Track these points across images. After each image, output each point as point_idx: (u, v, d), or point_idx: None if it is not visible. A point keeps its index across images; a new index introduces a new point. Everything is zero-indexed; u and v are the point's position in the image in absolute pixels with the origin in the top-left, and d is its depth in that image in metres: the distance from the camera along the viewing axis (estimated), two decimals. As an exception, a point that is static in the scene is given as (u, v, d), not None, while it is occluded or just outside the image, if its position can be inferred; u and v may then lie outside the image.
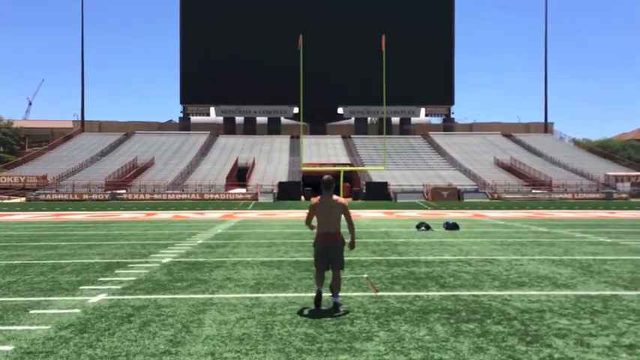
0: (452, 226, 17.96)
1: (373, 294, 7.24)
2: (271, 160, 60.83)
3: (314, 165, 50.70)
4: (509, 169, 57.68)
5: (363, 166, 55.77)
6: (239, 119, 75.67)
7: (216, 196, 47.75)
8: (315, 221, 6.60)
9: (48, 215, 27.24)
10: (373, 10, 71.58)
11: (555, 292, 7.47)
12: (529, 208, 34.82)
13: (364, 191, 48.81)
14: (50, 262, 10.42)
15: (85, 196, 47.00)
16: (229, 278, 8.59)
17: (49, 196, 46.79)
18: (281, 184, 49.49)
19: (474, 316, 6.11)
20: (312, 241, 6.82)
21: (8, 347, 4.98)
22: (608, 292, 7.47)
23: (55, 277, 8.79)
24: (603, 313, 6.26)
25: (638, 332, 5.48)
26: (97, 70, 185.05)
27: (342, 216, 6.48)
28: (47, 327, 5.69)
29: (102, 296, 7.25)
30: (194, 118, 76.57)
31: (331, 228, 6.40)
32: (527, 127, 76.14)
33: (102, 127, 75.10)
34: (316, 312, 6.25)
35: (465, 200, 46.33)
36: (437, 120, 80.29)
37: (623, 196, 49.20)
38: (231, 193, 48.49)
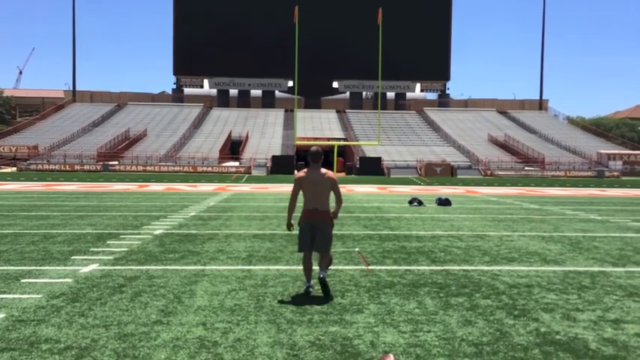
0: (444, 202, 18.04)
1: (364, 268, 7.30)
2: (265, 133, 60.57)
3: (308, 139, 50.56)
4: (503, 145, 57.79)
5: (357, 140, 55.68)
6: (233, 92, 74.99)
7: (210, 168, 47.63)
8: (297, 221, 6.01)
9: (39, 185, 27.12)
10: (370, -17, 70.51)
11: (544, 268, 7.56)
12: (521, 185, 35.01)
13: (358, 166, 48.84)
14: (42, 232, 10.41)
15: (77, 167, 46.76)
16: (221, 250, 8.62)
17: (40, 167, 46.51)
18: (274, 158, 49.41)
19: (463, 290, 6.18)
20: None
21: (0, 315, 5.00)
22: (596, 269, 7.56)
23: (47, 246, 8.79)
24: (590, 289, 6.35)
25: (623, 307, 5.56)
26: (89, 40, 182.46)
27: (332, 193, 5.93)
28: (39, 296, 5.71)
29: (94, 266, 7.27)
30: (187, 90, 75.82)
31: (319, 205, 5.83)
32: (522, 104, 76.02)
33: (94, 97, 74.29)
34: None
35: (458, 176, 46.49)
36: (432, 95, 79.96)
37: (615, 174, 49.51)
38: (225, 166, 48.39)
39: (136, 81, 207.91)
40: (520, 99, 78.12)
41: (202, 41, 70.24)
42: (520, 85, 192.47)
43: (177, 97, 74.98)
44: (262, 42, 69.18)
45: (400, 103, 74.58)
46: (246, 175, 43.23)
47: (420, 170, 48.07)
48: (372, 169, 47.30)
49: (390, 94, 74.89)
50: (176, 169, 47.39)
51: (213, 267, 7.34)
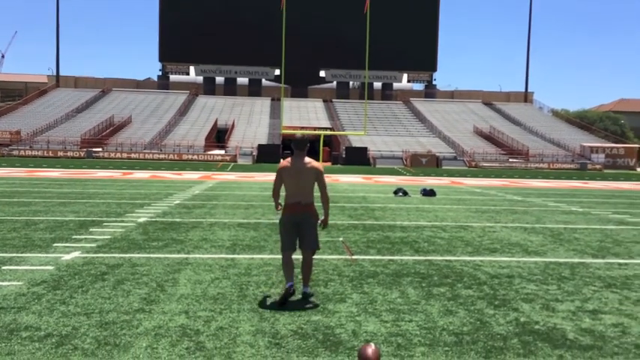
0: (429, 193, 18.15)
1: (348, 257, 7.33)
2: (251, 122, 60.29)
3: (294, 128, 50.40)
4: (488, 137, 58.16)
5: (344, 130, 55.66)
6: (219, 79, 74.40)
7: (195, 156, 47.35)
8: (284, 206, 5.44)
9: (21, 172, 26.76)
10: (358, -28, 70.12)
11: (525, 259, 7.65)
12: (505, 176, 35.31)
13: (344, 156, 48.86)
14: (23, 219, 10.30)
15: (60, 154, 46.18)
16: (205, 239, 8.60)
17: (22, 152, 45.87)
18: (260, 147, 49.25)
19: (445, 281, 6.24)
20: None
21: (-21, 303, 4.95)
22: (576, 260, 7.68)
23: (29, 233, 8.70)
24: (570, 280, 6.45)
25: (602, 298, 5.66)
26: (74, 24, 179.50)
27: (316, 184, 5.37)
28: (19, 283, 5.66)
29: (76, 254, 7.21)
30: (173, 77, 75.02)
31: (303, 197, 5.28)
32: (508, 96, 76.47)
33: (78, 82, 73.25)
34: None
35: (444, 167, 46.75)
36: (419, 86, 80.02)
37: (597, 167, 50.13)
38: (210, 154, 48.13)
39: (121, 67, 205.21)
40: (506, 91, 78.60)
41: (189, 28, 69.47)
42: (506, 78, 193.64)
43: (163, 83, 74.19)
44: (249, 29, 68.63)
45: (387, 93, 74.60)
46: (232, 164, 43.06)
47: (406, 161, 48.25)
48: (358, 159, 47.38)
49: (377, 84, 74.86)
50: (161, 156, 47.02)
51: (197, 255, 7.33)
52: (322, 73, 73.35)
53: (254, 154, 48.39)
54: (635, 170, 51.22)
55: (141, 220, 10.52)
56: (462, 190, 21.49)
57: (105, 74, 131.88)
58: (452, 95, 77.87)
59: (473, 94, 76.32)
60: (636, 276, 6.77)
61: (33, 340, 4.06)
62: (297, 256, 5.48)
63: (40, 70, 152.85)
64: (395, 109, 68.56)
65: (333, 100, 70.58)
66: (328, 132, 48.14)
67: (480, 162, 49.21)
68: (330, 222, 10.77)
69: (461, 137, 56.92)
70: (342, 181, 24.93)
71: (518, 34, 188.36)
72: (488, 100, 74.20)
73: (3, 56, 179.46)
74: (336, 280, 6.12)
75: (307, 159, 5.36)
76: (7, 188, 17.13)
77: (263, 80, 73.91)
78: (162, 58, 72.94)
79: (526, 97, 75.63)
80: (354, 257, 7.36)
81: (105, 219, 10.54)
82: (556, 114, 73.44)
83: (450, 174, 36.43)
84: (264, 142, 52.01)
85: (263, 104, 67.43)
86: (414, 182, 26.19)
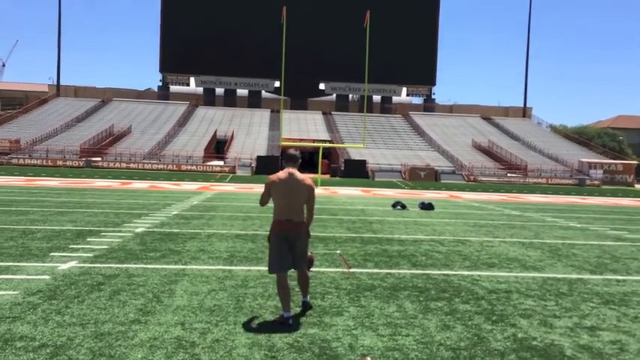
0: (427, 207, 18.14)
1: (346, 270, 7.31)
2: (250, 133, 60.38)
3: (293, 140, 50.49)
4: (487, 151, 58.27)
5: (343, 143, 55.75)
6: (219, 91, 74.64)
7: (194, 167, 47.34)
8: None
9: (20, 180, 26.73)
10: (359, -14, 70.66)
11: (523, 274, 7.63)
12: (504, 191, 35.33)
13: (342, 168, 48.90)
14: (21, 228, 10.26)
15: (59, 163, 46.15)
16: (203, 250, 8.57)
17: (21, 161, 45.82)
18: (259, 158, 49.26)
19: (442, 295, 6.22)
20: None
21: (-26, 312, 4.92)
22: (574, 276, 7.66)
23: (26, 242, 8.67)
24: (568, 296, 6.43)
25: (600, 315, 5.64)
26: (75, 34, 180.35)
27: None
28: (15, 292, 5.63)
29: (72, 263, 7.18)
30: (173, 88, 75.26)
31: (294, 215, 5.05)
32: (507, 111, 76.78)
33: (78, 92, 73.42)
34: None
35: (442, 181, 46.77)
36: (418, 100, 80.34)
37: (596, 182, 50.18)
38: (209, 165, 48.12)
39: (121, 77, 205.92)
40: (504, 106, 78.91)
41: (190, 39, 69.85)
42: (505, 92, 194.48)
43: (163, 94, 74.42)
44: (250, 42, 69.02)
45: (386, 106, 74.86)
46: (231, 175, 43.05)
47: (405, 174, 48.28)
48: (357, 171, 47.41)
49: (376, 98, 75.14)
50: (160, 167, 47.00)
51: (194, 266, 7.30)
52: (322, 86, 73.63)
53: (253, 165, 48.39)
54: (633, 186, 51.28)
55: (138, 230, 10.50)
56: (460, 204, 21.48)
57: (106, 84, 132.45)
58: (451, 109, 78.17)
59: (472, 109, 76.63)
60: (634, 292, 6.75)
61: (27, 351, 4.03)
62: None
63: (41, 79, 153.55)
64: (394, 123, 68.75)
65: (333, 112, 70.77)
66: (327, 144, 48.21)
67: (479, 176, 49.25)
68: (327, 235, 10.77)
69: (459, 151, 57.03)
70: (340, 194, 24.93)
71: (517, 48, 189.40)
72: (487, 114, 74.47)
73: (4, 65, 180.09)
74: (333, 293, 6.09)
75: (299, 175, 5.11)
76: (5, 197, 17.09)
77: (263, 92, 74.16)
78: (162, 68, 73.23)
79: (524, 112, 75.96)
80: (352, 270, 7.34)
81: (102, 229, 10.51)
82: (554, 129, 73.73)
83: (449, 188, 36.44)
84: (263, 153, 52.04)
85: (262, 116, 67.58)
86: (413, 196, 26.18)
